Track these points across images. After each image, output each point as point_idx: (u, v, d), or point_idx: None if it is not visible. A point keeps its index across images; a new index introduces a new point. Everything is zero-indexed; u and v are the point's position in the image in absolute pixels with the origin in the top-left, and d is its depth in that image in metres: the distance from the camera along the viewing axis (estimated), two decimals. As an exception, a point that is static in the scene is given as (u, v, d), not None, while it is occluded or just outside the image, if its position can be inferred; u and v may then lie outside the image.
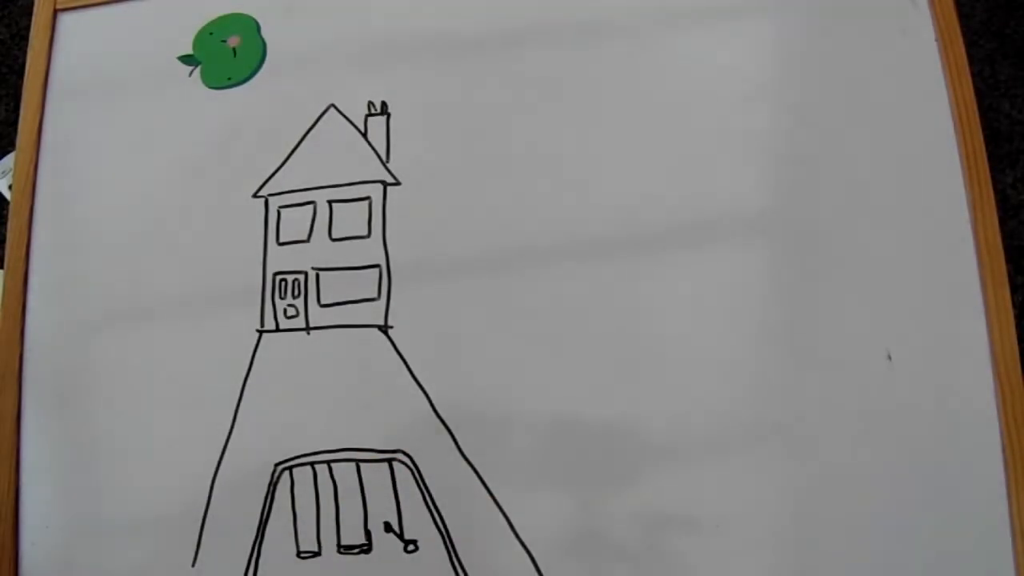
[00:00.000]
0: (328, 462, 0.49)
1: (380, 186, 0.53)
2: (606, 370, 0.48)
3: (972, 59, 0.51)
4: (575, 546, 0.45)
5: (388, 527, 0.48)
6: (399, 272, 0.51)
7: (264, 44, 0.57)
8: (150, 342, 0.52)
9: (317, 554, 0.48)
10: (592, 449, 0.47)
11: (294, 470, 0.49)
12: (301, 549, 0.48)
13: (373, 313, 0.51)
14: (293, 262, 0.52)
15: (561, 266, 0.50)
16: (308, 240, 0.52)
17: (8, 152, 1.23)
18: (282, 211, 0.53)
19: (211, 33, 0.57)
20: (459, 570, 0.47)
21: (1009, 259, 0.47)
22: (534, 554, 0.46)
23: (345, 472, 0.49)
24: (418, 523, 0.48)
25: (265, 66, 0.56)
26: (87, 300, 0.53)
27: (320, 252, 0.52)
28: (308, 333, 0.51)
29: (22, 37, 1.29)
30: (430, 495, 0.48)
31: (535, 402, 0.48)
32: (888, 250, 0.49)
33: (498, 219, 0.51)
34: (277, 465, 0.49)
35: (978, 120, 0.50)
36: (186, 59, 0.57)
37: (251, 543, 0.48)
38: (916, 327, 0.48)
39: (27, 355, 0.53)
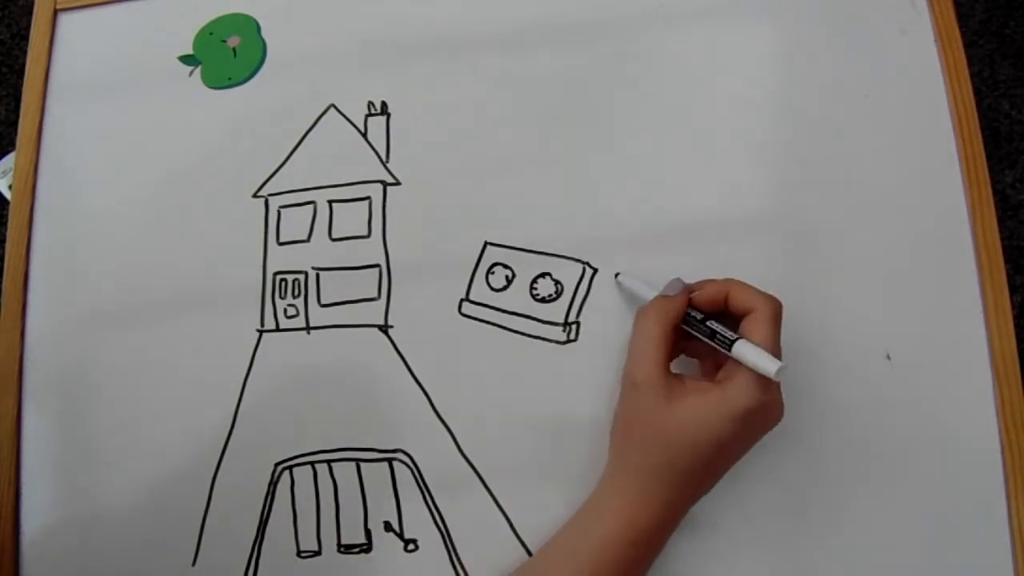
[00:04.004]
0: (328, 461, 0.49)
1: (380, 186, 0.53)
2: (606, 368, 0.48)
3: (972, 59, 0.51)
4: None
5: (388, 527, 0.48)
6: (399, 272, 0.51)
7: (264, 44, 0.57)
8: (150, 342, 0.52)
9: (317, 553, 0.48)
10: (592, 449, 0.47)
11: (294, 469, 0.49)
12: (301, 548, 0.48)
13: (373, 313, 0.51)
14: (293, 262, 0.52)
15: (560, 265, 0.50)
16: (308, 240, 0.52)
17: (8, 152, 1.23)
18: (282, 211, 0.53)
19: (211, 33, 0.57)
20: (459, 570, 0.47)
21: (1008, 259, 0.47)
22: (534, 554, 0.46)
23: (345, 471, 0.49)
24: (418, 523, 0.48)
25: (265, 66, 0.56)
26: (87, 300, 0.53)
27: (320, 252, 0.52)
28: (308, 333, 0.51)
29: (22, 37, 1.29)
30: (430, 495, 0.48)
31: (535, 401, 0.49)
32: (887, 250, 0.49)
33: (498, 219, 0.51)
34: (277, 465, 0.49)
35: (977, 120, 0.50)
36: (186, 59, 0.57)
37: (251, 543, 0.49)
38: (915, 327, 0.48)
39: (27, 355, 0.53)
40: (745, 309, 0.42)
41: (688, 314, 0.43)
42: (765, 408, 0.40)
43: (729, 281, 0.43)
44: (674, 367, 0.43)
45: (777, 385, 0.41)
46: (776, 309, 0.41)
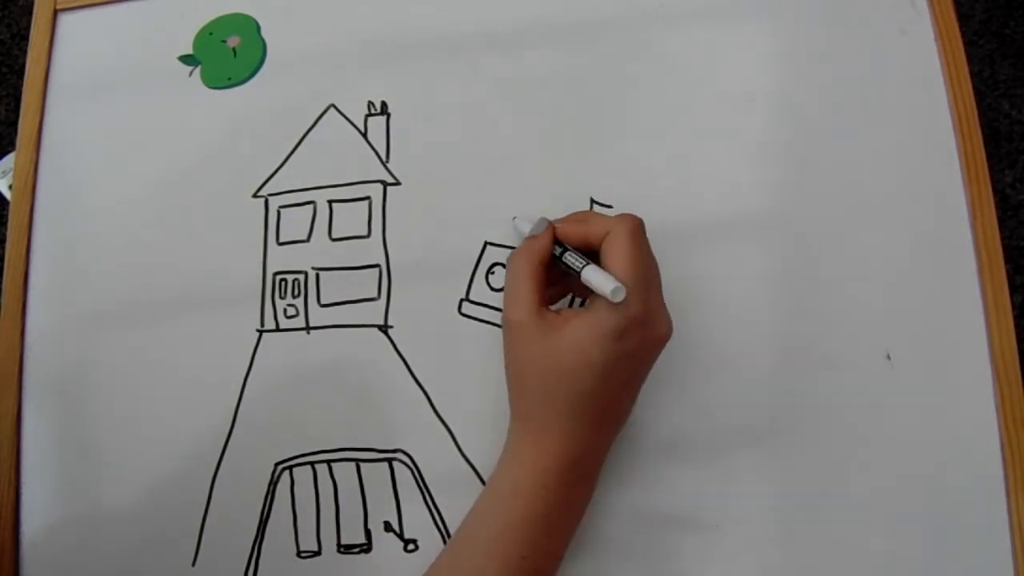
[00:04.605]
0: (328, 461, 0.49)
1: (380, 186, 0.53)
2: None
3: (972, 59, 0.51)
4: (575, 545, 0.45)
5: (388, 527, 0.48)
6: (399, 272, 0.51)
7: (264, 44, 0.57)
8: (150, 342, 0.52)
9: (317, 553, 0.48)
10: (592, 449, 0.46)
11: (294, 469, 0.49)
12: (301, 548, 0.48)
13: (373, 313, 0.51)
14: (293, 262, 0.52)
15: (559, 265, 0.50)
16: (308, 240, 0.52)
17: (8, 152, 1.23)
18: (282, 211, 0.53)
19: (211, 33, 0.57)
20: (459, 570, 0.47)
21: (1008, 259, 0.47)
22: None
23: (345, 472, 0.49)
24: (418, 523, 0.48)
25: (265, 66, 0.56)
26: (87, 300, 0.53)
27: (320, 252, 0.52)
28: (308, 333, 0.51)
29: (22, 37, 1.29)
30: (430, 495, 0.48)
31: (535, 402, 0.48)
32: (887, 250, 0.49)
33: (498, 219, 0.51)
34: (277, 465, 0.49)
35: (977, 120, 0.50)
36: (186, 59, 0.57)
37: (251, 543, 0.49)
38: (916, 327, 0.48)
39: (27, 355, 0.53)
40: (605, 235, 0.41)
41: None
42: (640, 322, 0.39)
43: (586, 215, 0.44)
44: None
45: (649, 295, 0.40)
46: (632, 225, 0.41)
